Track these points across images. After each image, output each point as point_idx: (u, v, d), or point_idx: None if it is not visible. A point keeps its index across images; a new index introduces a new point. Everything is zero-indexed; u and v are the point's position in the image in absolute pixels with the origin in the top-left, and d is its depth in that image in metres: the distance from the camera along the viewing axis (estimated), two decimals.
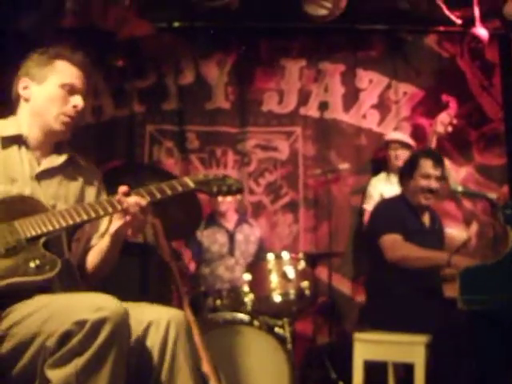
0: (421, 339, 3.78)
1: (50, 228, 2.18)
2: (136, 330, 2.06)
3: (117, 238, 2.39)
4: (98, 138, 5.64)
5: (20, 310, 1.99)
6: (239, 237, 5.04)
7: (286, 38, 5.95)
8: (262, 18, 5.68)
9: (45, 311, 1.94)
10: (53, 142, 2.48)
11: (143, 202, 2.30)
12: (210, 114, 5.84)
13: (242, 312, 4.20)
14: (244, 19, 5.65)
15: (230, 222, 5.07)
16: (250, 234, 5.11)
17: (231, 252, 4.99)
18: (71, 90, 2.41)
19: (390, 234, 4.11)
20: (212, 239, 5.01)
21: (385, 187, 5.42)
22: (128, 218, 2.29)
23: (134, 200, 2.29)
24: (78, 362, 1.85)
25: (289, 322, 4.25)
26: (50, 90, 2.40)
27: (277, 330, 4.24)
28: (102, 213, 2.27)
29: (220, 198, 4.49)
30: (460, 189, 4.53)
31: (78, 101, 2.42)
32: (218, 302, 4.36)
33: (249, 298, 4.25)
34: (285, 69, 5.95)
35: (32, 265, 2.07)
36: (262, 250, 5.07)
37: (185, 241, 5.01)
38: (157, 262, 4.09)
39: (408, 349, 3.83)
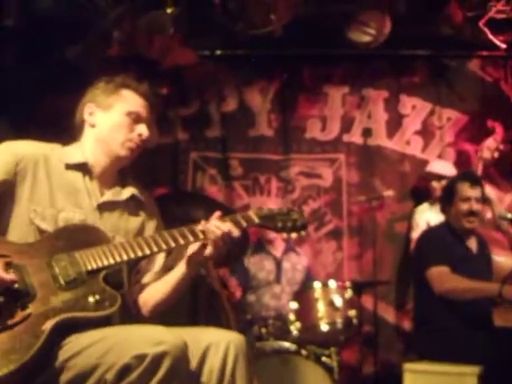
0: (472, 370, 3.68)
1: (112, 261, 2.14)
2: (195, 351, 2.02)
3: (194, 269, 2.35)
4: (143, 165, 5.66)
5: (79, 341, 1.96)
6: (286, 265, 5.00)
7: (329, 64, 5.95)
8: (305, 44, 5.68)
9: (104, 343, 1.91)
10: (116, 171, 2.47)
11: (236, 231, 2.27)
12: (253, 141, 5.85)
13: (287, 341, 4.15)
14: (286, 46, 5.66)
15: (278, 249, 5.05)
16: (297, 263, 5.07)
17: (278, 280, 4.94)
18: (137, 119, 2.42)
19: (437, 266, 4.04)
20: (259, 266, 4.98)
21: (430, 215, 5.35)
22: (216, 245, 2.25)
23: (228, 228, 2.26)
24: None
25: (336, 352, 4.19)
26: (115, 117, 2.41)
27: (324, 359, 4.18)
28: (181, 241, 2.24)
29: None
30: (509, 215, 4.45)
31: (143, 129, 2.42)
32: (264, 330, 4.32)
33: (295, 327, 4.20)
34: (328, 95, 5.94)
35: (91, 300, 2.04)
36: (308, 279, 5.02)
37: (229, 268, 4.98)
38: (206, 291, 4.06)
39: (459, 380, 3.72)
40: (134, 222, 2.45)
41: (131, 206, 2.47)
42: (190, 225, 2.29)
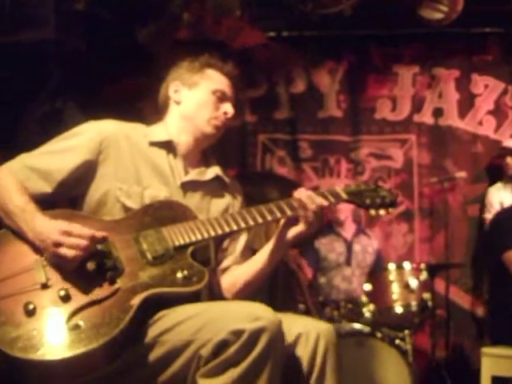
0: None
1: (199, 237, 2.11)
2: (286, 340, 1.95)
3: (282, 249, 2.28)
4: (211, 148, 5.67)
5: (170, 317, 1.94)
6: (357, 247, 4.95)
7: (399, 43, 5.85)
8: (375, 24, 5.59)
9: (198, 319, 1.88)
10: (201, 149, 2.46)
11: (325, 202, 2.20)
12: (322, 122, 5.80)
13: (360, 323, 4.11)
14: (356, 26, 5.58)
15: (348, 231, 5.00)
16: (368, 245, 5.01)
17: (348, 262, 4.89)
18: (222, 97, 2.40)
19: None
20: (329, 248, 4.93)
21: (505, 195, 5.22)
22: (309, 219, 2.16)
23: (320, 201, 2.19)
24: (234, 373, 1.78)
25: (410, 334, 4.13)
26: (201, 95, 2.39)
27: (397, 342, 4.13)
28: (269, 217, 2.18)
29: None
30: None
31: (228, 108, 2.40)
32: (336, 312, 4.29)
33: (368, 309, 4.16)
34: (398, 75, 5.85)
35: (179, 275, 2.00)
36: (379, 262, 4.96)
37: (299, 249, 4.96)
38: (284, 271, 4.04)
39: None
40: (218, 203, 2.42)
41: (215, 186, 2.44)
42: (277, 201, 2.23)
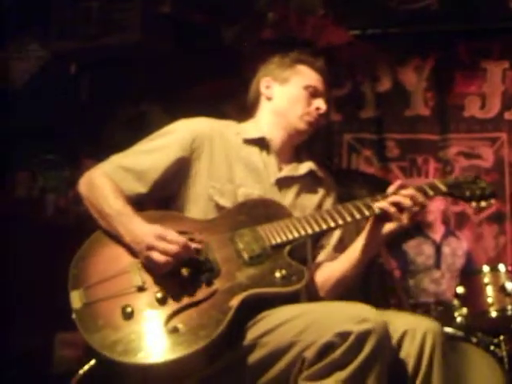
0: None
1: (296, 235, 2.07)
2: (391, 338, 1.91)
3: (373, 247, 2.23)
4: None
5: (272, 318, 1.91)
6: (446, 250, 4.82)
7: (488, 38, 5.66)
8: (462, 18, 5.44)
9: (301, 320, 1.84)
10: (294, 146, 2.43)
11: (423, 201, 2.13)
12: (409, 121, 5.68)
13: (452, 327, 3.97)
14: (441, 21, 5.44)
15: (437, 233, 4.89)
16: (458, 248, 4.88)
17: (437, 265, 4.77)
18: (314, 93, 2.38)
19: None
20: (418, 250, 4.83)
21: None
22: (403, 217, 2.10)
23: (410, 192, 2.11)
24: (340, 376, 1.74)
25: (505, 341, 3.97)
26: (293, 90, 2.38)
27: (492, 348, 3.97)
28: (367, 213, 2.12)
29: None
30: None
31: (320, 103, 2.38)
32: (426, 315, 4.16)
33: (460, 313, 4.01)
34: (486, 71, 5.67)
35: (278, 275, 1.97)
36: (469, 265, 4.82)
37: (388, 249, 4.86)
38: (378, 272, 3.95)
39: None
40: (311, 198, 2.38)
41: (309, 181, 2.40)
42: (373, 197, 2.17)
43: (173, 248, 1.93)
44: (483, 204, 2.20)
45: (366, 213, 2.13)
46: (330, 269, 2.32)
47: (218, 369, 1.90)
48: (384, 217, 2.14)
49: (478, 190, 2.21)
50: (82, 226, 2.13)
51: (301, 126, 2.36)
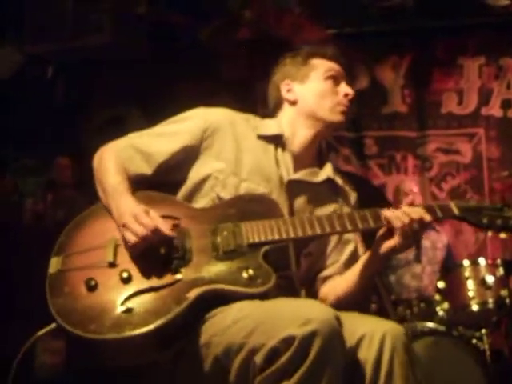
0: None
1: (276, 237, 1.99)
2: (348, 342, 1.81)
3: (378, 263, 2.10)
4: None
5: (223, 317, 1.86)
6: (426, 243, 4.79)
7: (463, 34, 5.72)
8: (437, 15, 5.47)
9: (249, 321, 1.78)
10: (317, 148, 2.34)
11: (428, 219, 2.01)
12: (387, 118, 5.72)
13: (434, 322, 3.98)
14: (417, 18, 5.46)
15: None
16: (437, 241, 4.85)
17: (418, 258, 4.75)
18: (336, 81, 2.29)
19: None
20: None
21: None
22: (404, 234, 1.98)
23: (418, 215, 1.99)
24: None
25: (487, 334, 3.98)
26: (316, 85, 2.29)
27: (474, 341, 3.98)
28: (360, 226, 2.02)
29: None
30: None
31: (346, 88, 2.28)
32: (408, 311, 4.16)
33: (441, 308, 4.02)
34: (463, 67, 5.72)
35: (245, 275, 1.90)
36: (449, 258, 4.81)
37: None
38: None
39: None
40: (325, 208, 2.26)
41: (325, 189, 2.28)
42: (374, 208, 2.07)
43: (142, 230, 1.91)
44: (503, 235, 2.09)
45: (360, 225, 2.04)
46: (334, 283, 2.24)
47: (167, 357, 1.91)
48: (384, 233, 2.04)
49: (500, 220, 2.05)
50: (61, 231, 2.11)
51: (335, 118, 2.25)
